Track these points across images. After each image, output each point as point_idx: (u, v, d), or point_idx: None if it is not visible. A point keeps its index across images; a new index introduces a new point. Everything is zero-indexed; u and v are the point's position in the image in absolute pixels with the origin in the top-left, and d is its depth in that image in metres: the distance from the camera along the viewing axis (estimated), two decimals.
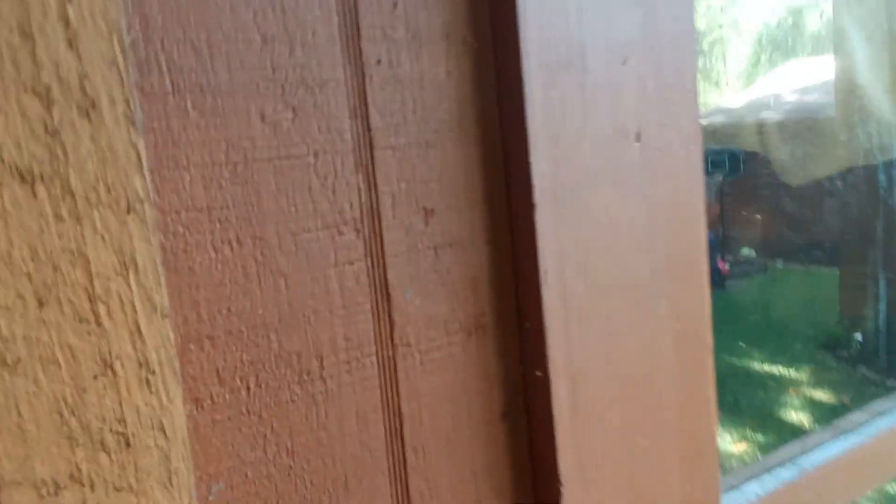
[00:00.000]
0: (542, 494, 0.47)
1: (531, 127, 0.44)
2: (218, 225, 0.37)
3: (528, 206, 0.45)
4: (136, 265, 0.30)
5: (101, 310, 0.29)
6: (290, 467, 0.39)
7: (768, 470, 0.72)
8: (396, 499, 0.43)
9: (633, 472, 0.51)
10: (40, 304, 0.28)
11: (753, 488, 0.69)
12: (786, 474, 0.71)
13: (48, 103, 0.28)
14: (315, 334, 0.40)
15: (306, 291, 0.40)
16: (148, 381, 0.30)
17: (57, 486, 0.28)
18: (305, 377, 0.40)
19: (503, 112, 0.45)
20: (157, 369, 0.30)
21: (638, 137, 0.50)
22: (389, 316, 0.43)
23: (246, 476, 0.38)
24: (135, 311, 0.30)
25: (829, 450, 0.76)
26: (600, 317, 0.48)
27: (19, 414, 0.27)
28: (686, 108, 0.54)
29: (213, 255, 0.37)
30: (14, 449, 0.27)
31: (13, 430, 0.27)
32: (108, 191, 0.29)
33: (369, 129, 0.41)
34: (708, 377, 0.58)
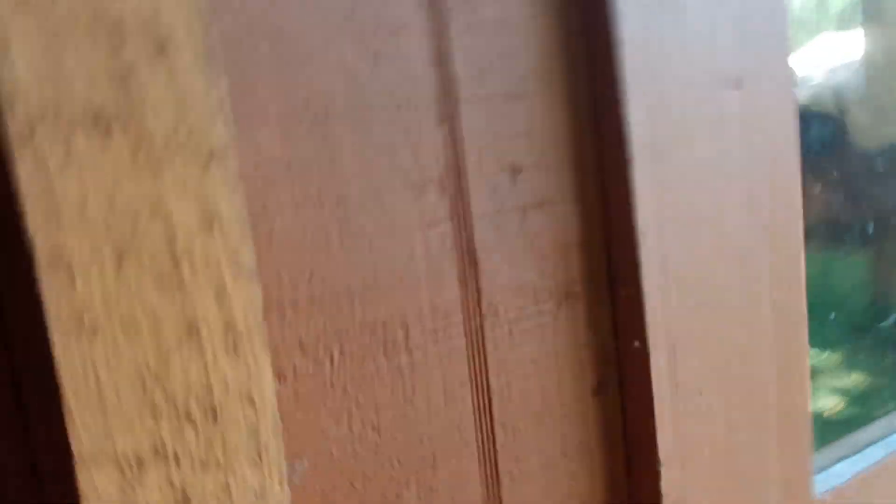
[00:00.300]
0: (639, 474, 0.43)
1: (626, 73, 0.40)
2: (298, 182, 0.34)
3: (624, 161, 0.41)
4: (220, 220, 0.27)
5: (185, 268, 0.26)
6: (377, 445, 0.36)
7: (857, 450, 0.68)
8: (485, 480, 0.40)
9: (731, 451, 0.47)
10: (119, 261, 0.25)
11: (844, 468, 0.64)
12: (875, 454, 0.67)
13: (119, 39, 0.25)
14: (400, 302, 0.37)
15: (390, 256, 0.36)
16: (235, 348, 0.27)
17: (140, 462, 0.25)
18: (391, 348, 0.37)
19: (594, 57, 0.41)
20: (244, 335, 0.28)
21: (737, 85, 0.45)
22: (476, 283, 0.39)
23: (331, 454, 0.35)
24: (220, 270, 0.27)
25: None
26: (700, 283, 0.44)
27: (98, 383, 0.25)
28: (781, 53, 0.49)
29: (293, 215, 0.34)
30: (93, 422, 0.25)
31: (92, 401, 0.24)
32: (188, 138, 0.27)
33: (452, 79, 0.38)
34: (803, 351, 0.53)
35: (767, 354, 0.49)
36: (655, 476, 0.43)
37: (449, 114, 0.38)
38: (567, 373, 0.42)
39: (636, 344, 0.42)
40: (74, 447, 0.24)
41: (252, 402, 0.28)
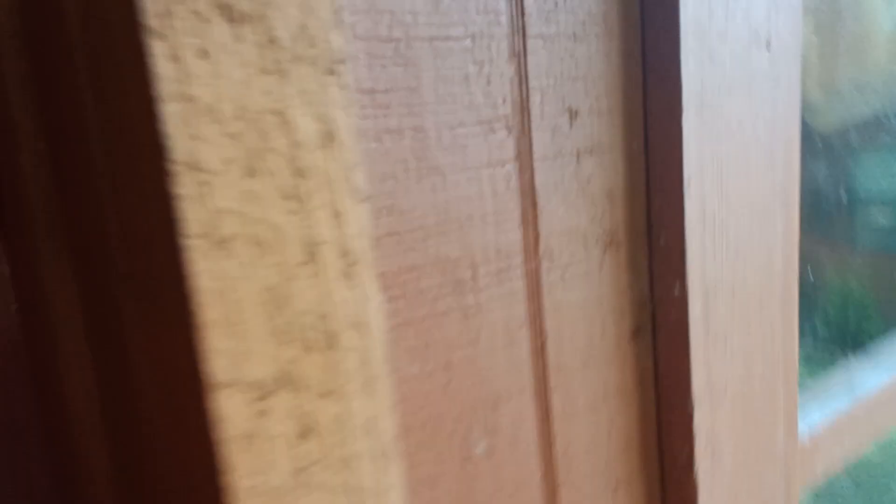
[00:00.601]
0: (672, 415, 0.45)
1: (682, 23, 0.41)
2: (380, 111, 0.32)
3: (675, 111, 0.41)
4: (338, 136, 0.26)
5: (306, 186, 0.25)
6: (446, 385, 0.36)
7: (824, 400, 0.73)
8: (540, 420, 0.40)
9: (749, 395, 0.49)
10: (248, 172, 0.23)
11: (815, 416, 0.69)
12: (840, 403, 0.72)
13: None
14: (468, 241, 0.36)
15: (461, 193, 0.36)
16: (351, 273, 0.26)
17: (268, 389, 0.24)
18: (460, 287, 0.36)
19: (652, 6, 0.41)
20: (358, 260, 0.26)
21: (768, 46, 0.47)
22: (535, 225, 0.39)
23: (404, 393, 0.34)
24: (338, 189, 0.26)
25: (875, 378, 0.77)
26: (729, 233, 0.46)
27: (231, 303, 0.23)
28: (796, 20, 0.51)
29: (375, 145, 0.32)
30: (226, 344, 0.23)
31: (227, 322, 0.23)
32: (311, 44, 0.25)
33: (523, 14, 0.37)
34: (796, 303, 0.56)
35: (777, 307, 0.52)
36: (689, 416, 0.44)
37: (518, 50, 0.37)
38: (609, 318, 0.43)
39: (676, 290, 0.43)
40: (209, 371, 0.22)
41: (368, 329, 0.27)
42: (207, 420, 0.23)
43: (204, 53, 0.22)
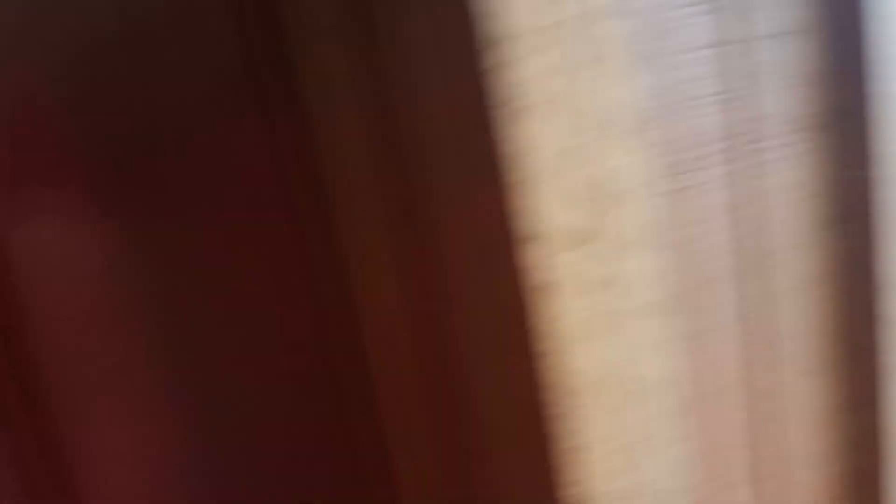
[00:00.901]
0: (866, 299, 0.45)
1: None
2: None
3: None
4: (620, 9, 0.27)
5: (597, 53, 0.27)
6: (672, 264, 0.37)
7: None
8: (748, 300, 0.42)
9: None
10: (548, 43, 0.25)
11: None
12: None
13: None
14: (688, 125, 0.37)
15: (681, 77, 0.36)
16: (634, 140, 0.28)
17: (565, 243, 0.26)
18: (682, 168, 0.37)
19: None
20: (643, 123, 0.28)
21: None
22: (744, 109, 0.40)
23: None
24: (624, 57, 0.27)
25: None
26: None
27: (534, 164, 0.25)
28: None
29: None
30: (530, 202, 0.25)
31: (530, 182, 0.25)
32: None
33: None
34: None
35: None
36: (878, 302, 0.45)
37: None
38: (810, 203, 0.44)
39: (872, 173, 0.43)
40: (517, 226, 0.25)
41: (651, 188, 0.28)
42: (515, 270, 0.26)
43: None
